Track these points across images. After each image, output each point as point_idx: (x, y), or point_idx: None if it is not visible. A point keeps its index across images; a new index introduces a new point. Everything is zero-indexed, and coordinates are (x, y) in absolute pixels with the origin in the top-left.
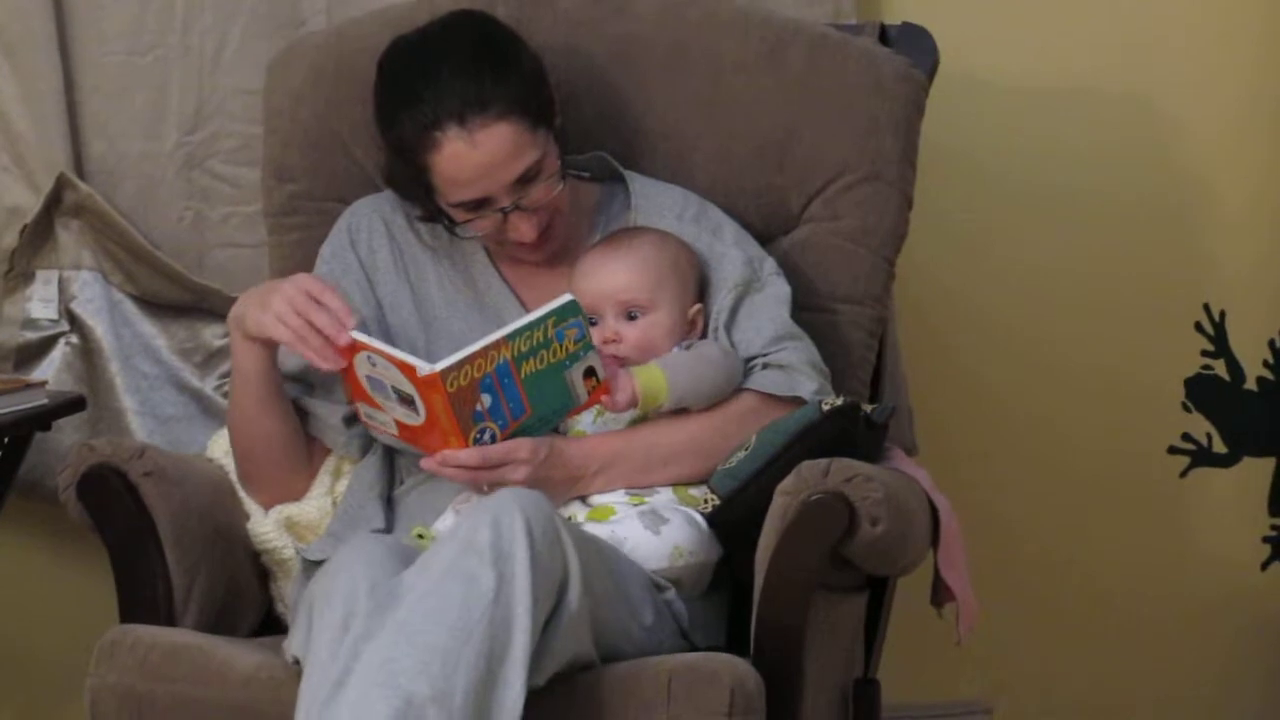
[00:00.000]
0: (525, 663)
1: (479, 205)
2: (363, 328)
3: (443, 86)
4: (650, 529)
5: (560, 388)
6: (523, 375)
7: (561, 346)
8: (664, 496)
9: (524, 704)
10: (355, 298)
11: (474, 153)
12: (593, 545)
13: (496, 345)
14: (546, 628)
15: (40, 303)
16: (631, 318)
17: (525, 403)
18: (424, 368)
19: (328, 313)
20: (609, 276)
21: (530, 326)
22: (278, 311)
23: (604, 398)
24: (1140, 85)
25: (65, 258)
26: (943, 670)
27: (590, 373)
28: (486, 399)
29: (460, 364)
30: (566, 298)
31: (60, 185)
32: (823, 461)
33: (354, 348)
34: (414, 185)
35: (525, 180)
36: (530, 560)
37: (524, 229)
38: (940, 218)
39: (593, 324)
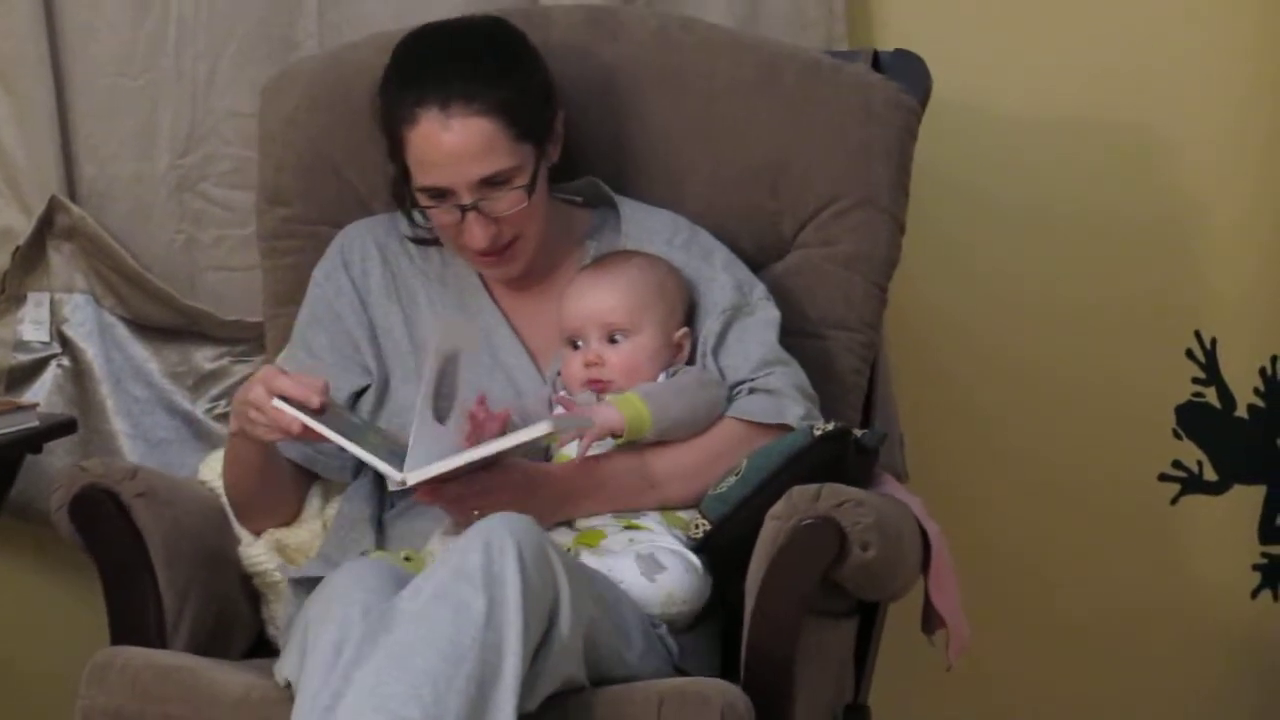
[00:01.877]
0: (516, 687)
1: (441, 195)
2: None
3: (440, 71)
4: (646, 575)
5: (537, 452)
6: (499, 457)
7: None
8: (652, 520)
9: None
10: (349, 320)
11: (446, 136)
12: (583, 572)
13: (470, 463)
14: (538, 653)
15: (32, 325)
16: (614, 341)
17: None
18: (394, 479)
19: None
20: (592, 300)
21: (509, 450)
22: (266, 423)
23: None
24: (1132, 111)
25: (57, 280)
26: (933, 696)
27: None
28: (462, 471)
29: (430, 479)
30: (544, 429)
31: (52, 208)
32: (813, 487)
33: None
34: (394, 162)
35: (491, 183)
36: (521, 584)
37: (476, 234)
38: (934, 242)
39: (577, 347)
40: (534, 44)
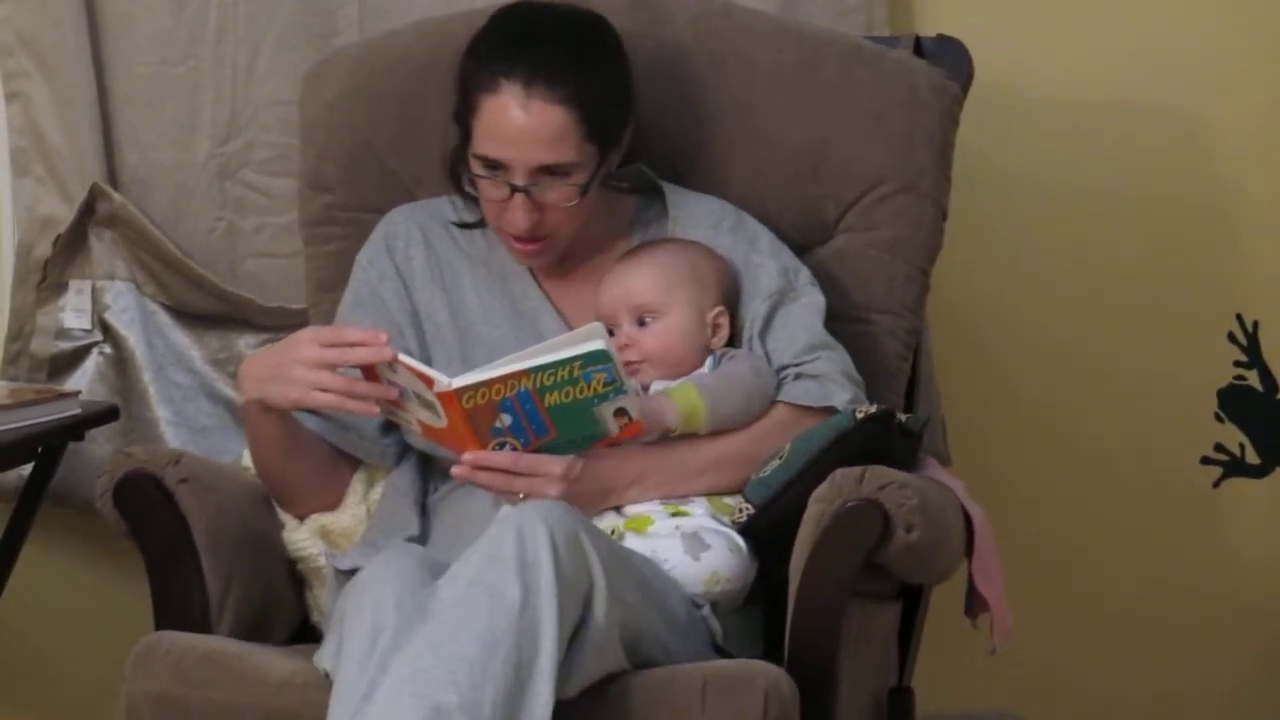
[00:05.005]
0: (553, 673)
1: (495, 168)
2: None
3: (534, 48)
4: (690, 554)
5: (588, 418)
6: (546, 404)
7: (589, 386)
8: (699, 506)
9: (553, 714)
10: (392, 304)
11: (520, 115)
12: (620, 556)
13: (517, 375)
14: (573, 642)
15: (73, 312)
16: (644, 323)
17: (549, 425)
18: (441, 382)
19: (359, 347)
20: (621, 283)
21: (555, 365)
22: (309, 380)
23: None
24: (1173, 93)
25: (98, 268)
26: (977, 679)
27: (622, 411)
28: (507, 418)
29: (478, 385)
30: (597, 345)
31: (93, 195)
32: (857, 469)
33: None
34: (459, 123)
35: (548, 172)
36: (555, 571)
37: (518, 216)
38: (975, 227)
39: (611, 334)
40: (629, 58)
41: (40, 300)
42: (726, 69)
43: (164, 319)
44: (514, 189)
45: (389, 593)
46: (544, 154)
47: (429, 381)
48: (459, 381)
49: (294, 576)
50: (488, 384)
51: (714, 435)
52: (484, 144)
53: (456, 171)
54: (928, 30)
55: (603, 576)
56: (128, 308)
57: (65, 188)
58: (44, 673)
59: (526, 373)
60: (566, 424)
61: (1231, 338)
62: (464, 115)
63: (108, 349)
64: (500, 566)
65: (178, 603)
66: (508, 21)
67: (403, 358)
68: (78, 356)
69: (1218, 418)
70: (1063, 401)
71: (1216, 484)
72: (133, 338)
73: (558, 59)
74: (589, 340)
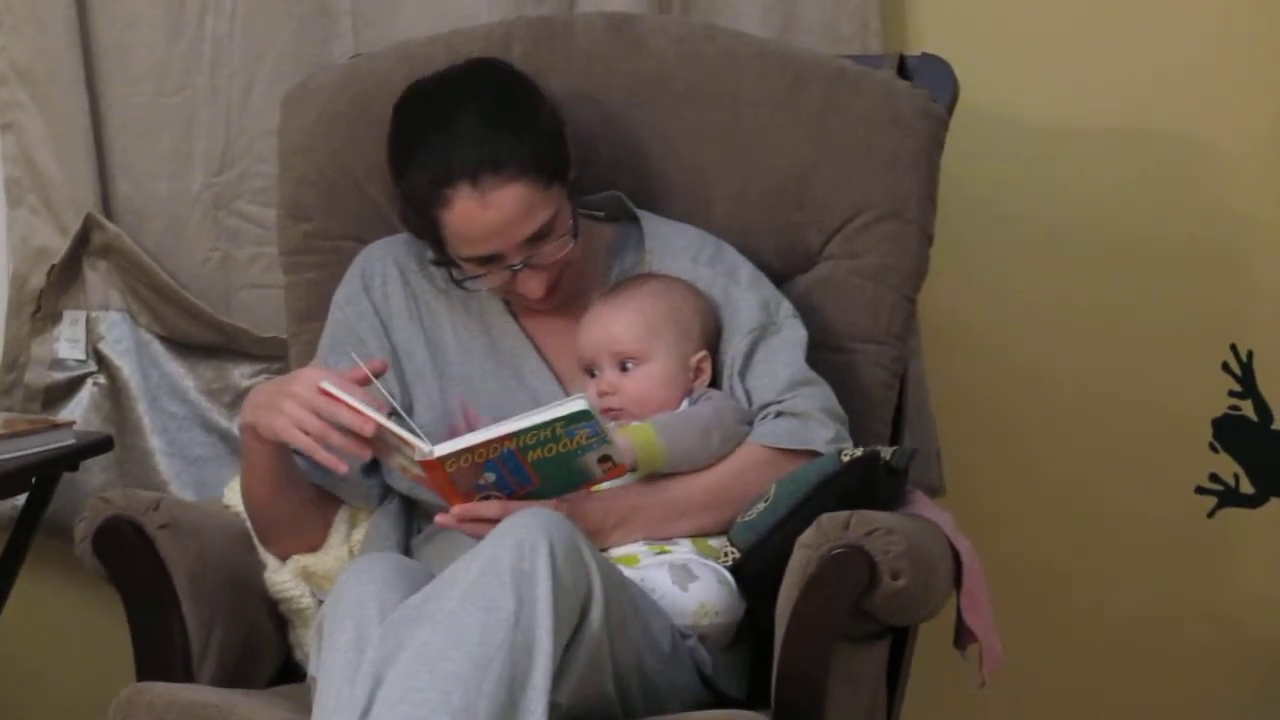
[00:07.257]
0: (547, 688)
1: (489, 261)
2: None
3: (457, 142)
4: (678, 584)
5: (572, 467)
6: (530, 459)
7: (572, 440)
8: (683, 546)
9: None
10: (371, 344)
11: (486, 212)
12: (616, 570)
13: (500, 439)
14: (568, 646)
15: (68, 343)
16: (626, 368)
17: (533, 477)
18: (423, 449)
19: (349, 410)
20: (603, 328)
21: (538, 427)
22: (293, 416)
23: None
24: (1164, 119)
25: (93, 298)
26: (966, 713)
27: (606, 458)
28: (490, 476)
29: (460, 452)
30: (579, 404)
31: (88, 225)
32: (843, 514)
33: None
34: (426, 234)
35: (536, 239)
36: (552, 582)
37: (533, 285)
38: (963, 254)
39: (593, 376)
40: (528, 78)
41: (35, 331)
42: (708, 94)
43: (158, 349)
44: (514, 270)
45: (370, 598)
46: (525, 229)
47: (412, 446)
48: (441, 450)
49: (276, 617)
50: (470, 450)
51: (694, 477)
52: (464, 248)
53: (446, 266)
54: (918, 51)
55: (600, 584)
56: (122, 338)
57: (60, 218)
58: (38, 704)
59: (509, 436)
60: (550, 475)
61: (1226, 367)
62: (431, 229)
63: (102, 379)
64: (495, 578)
65: (160, 650)
66: (417, 124)
67: (385, 422)
68: (72, 387)
69: (1212, 448)
70: (1054, 431)
71: (1211, 514)
72: (127, 368)
73: (487, 139)
74: (571, 401)
